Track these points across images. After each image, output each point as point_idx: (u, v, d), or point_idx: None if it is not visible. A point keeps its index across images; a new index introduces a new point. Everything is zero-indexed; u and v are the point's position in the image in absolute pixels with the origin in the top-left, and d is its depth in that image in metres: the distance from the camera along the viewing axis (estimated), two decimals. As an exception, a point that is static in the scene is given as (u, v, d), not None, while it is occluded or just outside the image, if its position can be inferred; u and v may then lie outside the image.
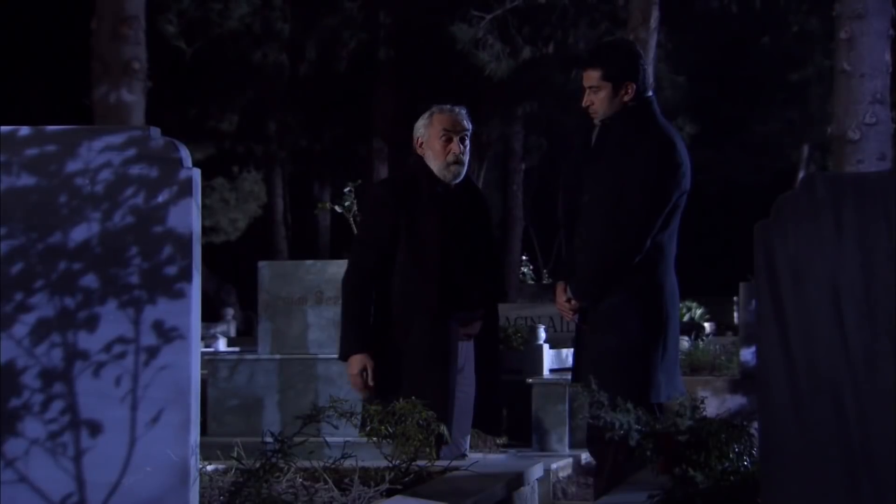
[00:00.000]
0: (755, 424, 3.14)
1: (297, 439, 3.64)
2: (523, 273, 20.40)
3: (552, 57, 22.15)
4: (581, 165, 5.20)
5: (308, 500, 3.70)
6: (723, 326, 18.44)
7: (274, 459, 3.59)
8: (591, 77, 5.08)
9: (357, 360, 4.97)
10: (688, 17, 22.80)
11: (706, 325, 16.75)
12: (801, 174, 24.23)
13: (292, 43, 24.70)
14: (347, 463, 4.04)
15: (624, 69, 5.06)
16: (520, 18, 21.38)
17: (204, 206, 6.26)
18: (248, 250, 26.28)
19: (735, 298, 16.65)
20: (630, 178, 4.95)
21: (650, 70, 5.58)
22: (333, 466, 4.02)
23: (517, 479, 4.35)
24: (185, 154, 3.27)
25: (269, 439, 3.75)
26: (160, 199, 3.24)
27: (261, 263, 8.30)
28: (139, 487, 3.18)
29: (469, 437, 5.25)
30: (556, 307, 5.28)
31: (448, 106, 5.14)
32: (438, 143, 5.06)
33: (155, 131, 3.28)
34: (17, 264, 3.25)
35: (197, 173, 3.27)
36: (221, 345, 12.50)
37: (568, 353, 9.01)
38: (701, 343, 12.41)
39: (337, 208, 7.74)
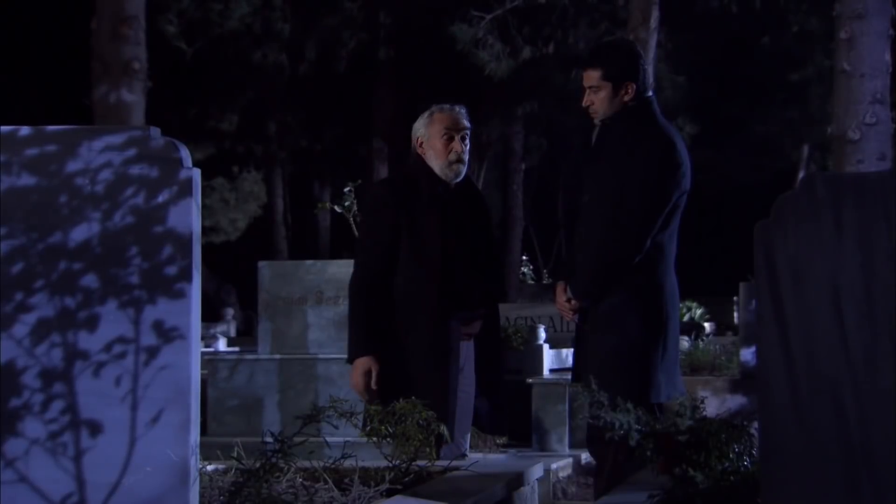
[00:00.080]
0: (755, 424, 3.14)
1: (297, 439, 3.64)
2: (523, 273, 20.40)
3: (552, 57, 22.16)
4: (581, 165, 5.20)
5: (308, 500, 3.70)
6: (723, 326, 18.45)
7: (274, 459, 3.59)
8: (591, 77, 5.08)
9: (361, 364, 4.94)
10: (688, 17, 22.80)
11: (706, 325, 16.76)
12: (801, 174, 24.24)
13: (292, 43, 24.71)
14: (347, 463, 4.04)
15: (624, 69, 5.06)
16: (520, 18, 21.39)
17: (204, 206, 6.26)
18: (248, 250, 26.29)
19: (735, 298, 16.66)
20: (630, 178, 4.95)
21: (650, 70, 5.58)
22: (333, 466, 4.02)
23: (517, 479, 4.35)
24: (185, 154, 3.27)
25: (269, 439, 3.75)
26: (160, 199, 3.24)
27: (261, 263, 8.30)
28: (139, 487, 3.18)
29: (469, 436, 5.25)
30: (556, 307, 5.28)
31: (448, 105, 5.14)
32: (440, 142, 5.06)
33: (155, 131, 3.28)
34: (17, 264, 3.25)
35: (197, 173, 3.27)
36: (221, 345, 12.51)
37: (568, 353, 9.02)
38: (701, 343, 12.41)
39: (337, 208, 7.74)
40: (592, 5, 22.41)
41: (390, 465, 4.13)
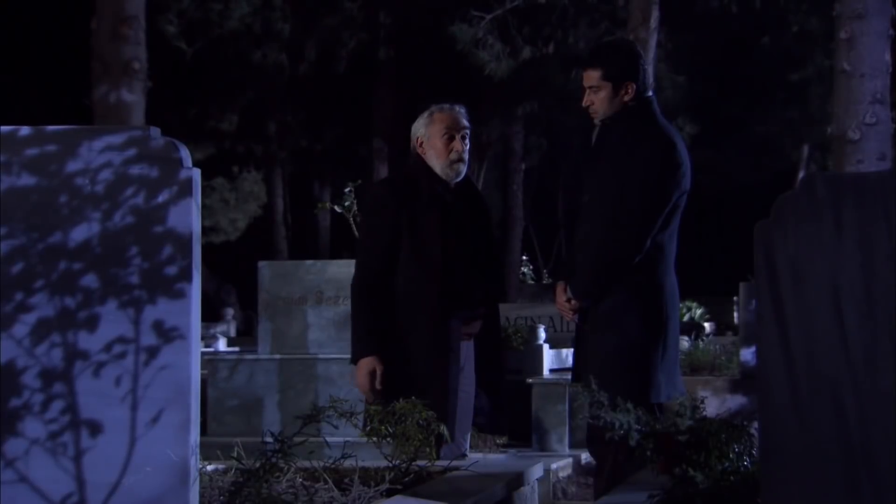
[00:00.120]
0: (755, 424, 3.14)
1: (297, 439, 3.64)
2: (523, 273, 20.42)
3: (552, 57, 22.17)
4: (581, 165, 5.20)
5: (308, 500, 3.70)
6: (723, 326, 18.45)
7: (274, 459, 3.59)
8: (592, 77, 5.08)
9: (365, 364, 4.94)
10: (688, 17, 22.80)
11: (706, 325, 16.77)
12: (801, 174, 24.23)
13: (292, 43, 24.71)
14: (347, 463, 4.04)
15: (624, 69, 5.06)
16: (520, 18, 21.39)
17: (204, 206, 6.26)
18: (248, 250, 26.28)
19: (735, 298, 16.67)
20: (630, 178, 4.95)
21: (650, 70, 5.58)
22: (333, 466, 4.02)
23: (517, 479, 4.35)
24: (185, 154, 3.27)
25: (269, 439, 3.75)
26: (160, 199, 3.24)
27: (261, 263, 8.30)
28: (139, 487, 3.18)
29: (469, 436, 5.25)
30: (556, 307, 5.28)
31: (447, 105, 5.14)
32: (441, 141, 5.06)
33: (155, 131, 3.28)
34: (17, 264, 3.25)
35: (197, 173, 3.27)
36: (221, 345, 12.51)
37: (568, 353, 9.02)
38: (701, 343, 12.41)
39: (337, 208, 7.74)
40: (592, 5, 22.41)
41: (390, 465, 4.13)
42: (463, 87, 20.30)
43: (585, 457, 7.81)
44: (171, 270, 3.22)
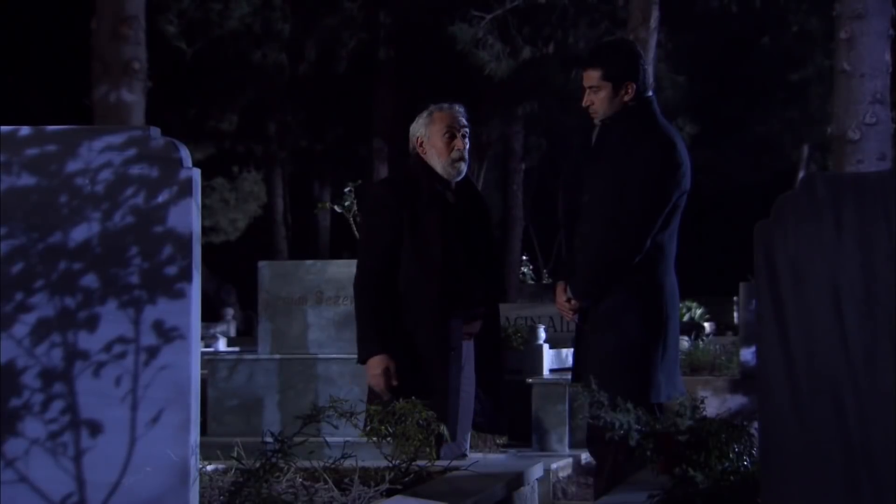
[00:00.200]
0: (755, 424, 3.14)
1: (297, 439, 3.64)
2: (523, 273, 20.42)
3: (552, 57, 22.17)
4: (581, 165, 5.20)
5: (308, 500, 3.70)
6: (723, 326, 18.46)
7: (274, 459, 3.59)
8: (592, 77, 5.08)
9: (378, 361, 4.93)
10: (688, 17, 22.81)
11: (706, 325, 16.77)
12: (801, 174, 24.23)
13: (292, 43, 24.71)
14: (347, 463, 4.04)
15: (624, 69, 5.06)
16: (520, 18, 21.40)
17: (204, 206, 6.26)
18: (248, 250, 26.28)
19: (735, 298, 16.67)
20: (630, 178, 4.95)
21: (650, 70, 5.58)
22: (333, 466, 4.02)
23: (517, 479, 4.35)
24: (185, 154, 3.27)
25: (269, 439, 3.75)
26: (160, 199, 3.24)
27: (261, 263, 8.30)
28: (139, 487, 3.18)
29: (469, 436, 5.25)
30: (556, 307, 5.28)
31: (446, 104, 5.14)
32: (442, 140, 5.06)
33: (155, 131, 3.28)
34: (17, 264, 3.25)
35: (197, 173, 3.27)
36: (221, 345, 12.52)
37: (568, 353, 9.02)
38: (701, 343, 12.42)
39: (337, 208, 7.74)
40: (592, 5, 22.41)
41: (390, 465, 4.13)
42: (463, 87, 20.29)
43: (585, 457, 7.81)
44: (171, 270, 3.22)
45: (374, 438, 4.28)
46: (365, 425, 4.32)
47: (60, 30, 22.02)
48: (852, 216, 2.93)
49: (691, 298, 18.21)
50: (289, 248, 28.34)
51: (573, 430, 8.55)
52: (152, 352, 3.21)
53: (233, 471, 3.75)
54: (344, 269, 7.82)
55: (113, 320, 3.22)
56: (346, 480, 3.90)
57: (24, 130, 3.31)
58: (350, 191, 7.72)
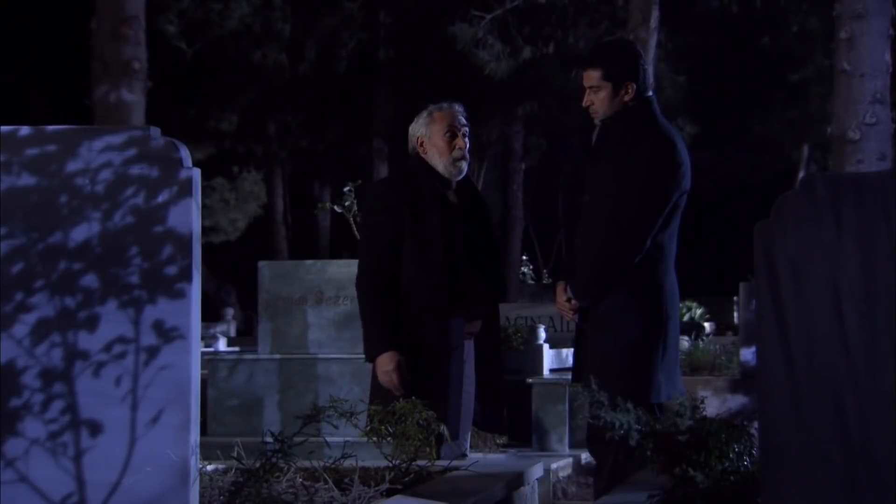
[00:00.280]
0: (755, 424, 3.14)
1: (297, 439, 3.64)
2: (523, 273, 20.42)
3: (552, 57, 22.17)
4: (581, 165, 5.20)
5: (308, 500, 3.70)
6: (723, 326, 18.46)
7: (274, 459, 3.59)
8: (592, 77, 5.08)
9: (389, 357, 4.92)
10: (688, 17, 22.81)
11: (706, 325, 16.77)
12: (801, 174, 24.23)
13: (292, 43, 24.72)
14: (347, 463, 4.04)
15: (624, 69, 5.06)
16: (520, 18, 21.40)
17: (204, 206, 6.26)
18: (248, 250, 26.28)
19: (735, 298, 16.67)
20: (630, 178, 4.95)
21: (650, 70, 5.58)
22: (333, 466, 4.02)
23: (517, 479, 4.35)
24: (185, 154, 3.27)
25: (269, 439, 3.75)
26: (160, 199, 3.24)
27: (261, 263, 8.30)
28: (139, 487, 3.18)
29: (469, 436, 5.25)
30: (556, 307, 5.28)
31: (446, 104, 5.14)
32: (443, 139, 5.06)
33: (155, 131, 3.28)
34: (17, 264, 3.25)
35: (197, 173, 3.27)
36: (221, 345, 12.52)
37: (568, 353, 9.02)
38: (701, 343, 12.42)
39: (337, 208, 7.73)
40: (592, 5, 22.42)
41: (390, 465, 4.13)
42: (463, 87, 20.29)
43: (585, 457, 7.81)
44: (171, 270, 3.22)
45: (374, 438, 4.28)
46: (367, 425, 4.32)
47: (60, 30, 22.03)
48: (852, 216, 2.93)
49: (691, 298, 18.22)
50: (289, 248, 28.35)
51: (573, 430, 8.55)
52: (152, 352, 3.21)
53: (233, 471, 3.75)
54: (344, 269, 7.82)
55: (113, 320, 3.22)
56: (347, 480, 3.90)
57: (24, 130, 3.31)
58: (350, 191, 7.71)
